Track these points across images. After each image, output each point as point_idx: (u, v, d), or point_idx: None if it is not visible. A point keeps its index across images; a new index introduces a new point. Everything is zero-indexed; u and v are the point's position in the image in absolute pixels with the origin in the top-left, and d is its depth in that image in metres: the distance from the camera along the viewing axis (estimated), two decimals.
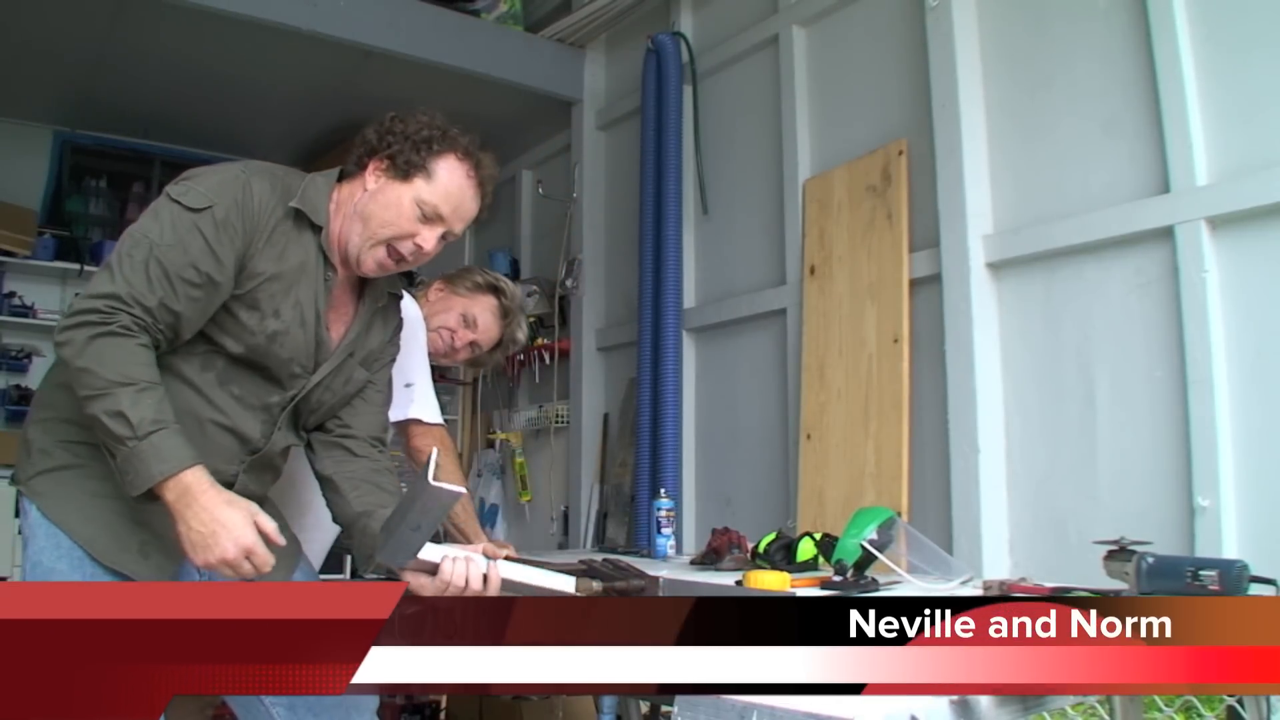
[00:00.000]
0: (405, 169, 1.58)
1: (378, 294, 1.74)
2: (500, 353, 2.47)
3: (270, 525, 1.41)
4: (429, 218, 1.58)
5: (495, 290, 2.36)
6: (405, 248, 1.58)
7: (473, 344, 2.37)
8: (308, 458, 1.70)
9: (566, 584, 1.56)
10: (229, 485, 1.62)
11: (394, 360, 1.82)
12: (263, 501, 1.77)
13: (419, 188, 1.57)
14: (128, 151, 4.83)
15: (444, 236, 1.61)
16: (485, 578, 1.50)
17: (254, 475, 1.66)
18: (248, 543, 1.38)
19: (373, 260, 1.59)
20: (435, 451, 1.47)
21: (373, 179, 1.60)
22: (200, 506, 1.38)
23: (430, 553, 1.47)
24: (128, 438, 1.35)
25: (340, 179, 1.66)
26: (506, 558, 2.26)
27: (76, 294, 1.65)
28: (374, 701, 1.84)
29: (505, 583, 1.52)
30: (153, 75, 4.04)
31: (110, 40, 3.74)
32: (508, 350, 2.48)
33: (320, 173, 1.66)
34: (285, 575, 1.79)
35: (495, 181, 1.68)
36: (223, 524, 1.37)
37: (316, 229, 1.59)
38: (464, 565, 1.48)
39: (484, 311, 2.37)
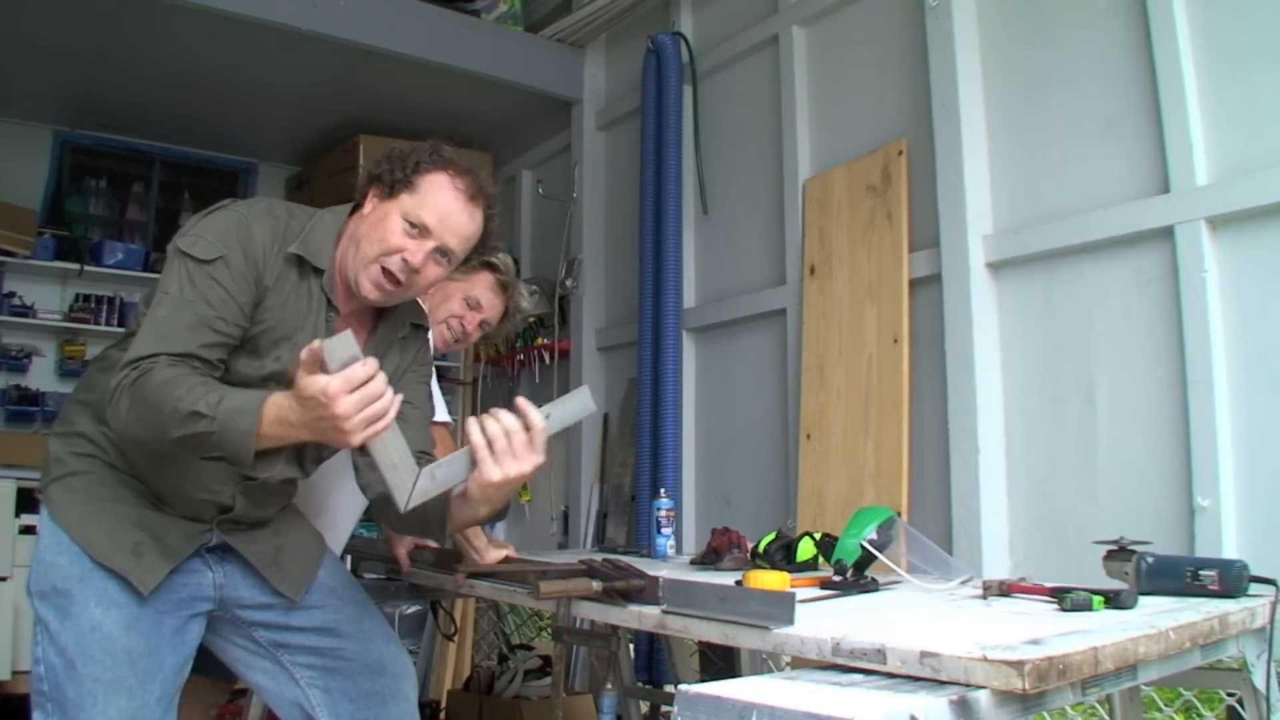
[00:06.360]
0: (391, 186, 1.59)
1: (395, 325, 1.73)
2: (509, 324, 2.56)
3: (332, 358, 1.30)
4: (416, 230, 1.57)
5: (488, 266, 2.42)
6: (394, 264, 1.56)
7: (482, 323, 2.46)
8: (356, 480, 1.66)
9: (587, 399, 1.53)
10: (227, 508, 1.65)
11: (426, 379, 1.83)
12: (270, 521, 1.79)
13: (404, 202, 1.58)
14: (128, 151, 4.82)
15: (439, 252, 1.59)
16: (522, 419, 1.45)
17: (252, 499, 1.67)
18: (348, 405, 1.29)
19: (368, 281, 1.58)
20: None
21: (369, 205, 1.62)
22: (289, 422, 1.34)
23: (452, 468, 1.47)
24: (209, 425, 1.34)
25: (354, 212, 1.66)
26: (507, 558, 2.26)
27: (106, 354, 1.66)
28: (414, 689, 1.86)
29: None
30: (153, 75, 4.04)
31: (110, 40, 3.74)
32: (514, 320, 2.57)
33: (331, 210, 1.67)
34: (312, 570, 1.81)
35: (493, 200, 1.66)
36: (317, 414, 1.31)
37: (319, 272, 1.59)
38: (494, 422, 1.44)
39: (484, 290, 2.45)
